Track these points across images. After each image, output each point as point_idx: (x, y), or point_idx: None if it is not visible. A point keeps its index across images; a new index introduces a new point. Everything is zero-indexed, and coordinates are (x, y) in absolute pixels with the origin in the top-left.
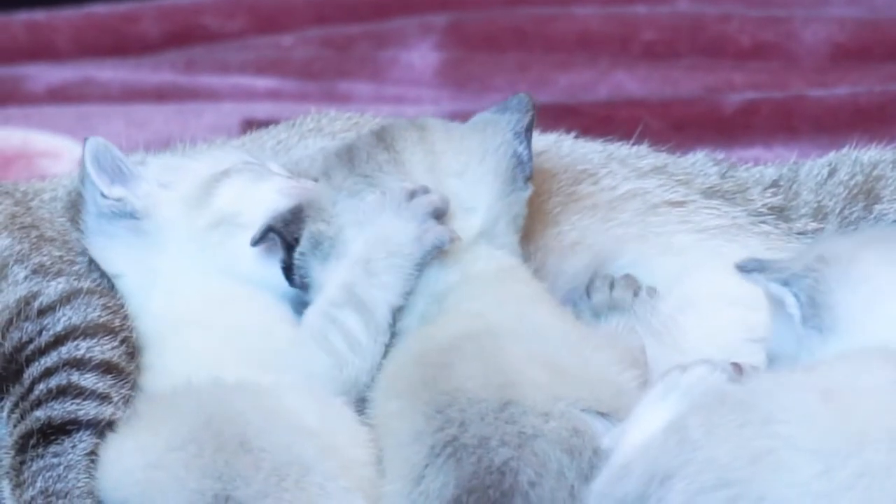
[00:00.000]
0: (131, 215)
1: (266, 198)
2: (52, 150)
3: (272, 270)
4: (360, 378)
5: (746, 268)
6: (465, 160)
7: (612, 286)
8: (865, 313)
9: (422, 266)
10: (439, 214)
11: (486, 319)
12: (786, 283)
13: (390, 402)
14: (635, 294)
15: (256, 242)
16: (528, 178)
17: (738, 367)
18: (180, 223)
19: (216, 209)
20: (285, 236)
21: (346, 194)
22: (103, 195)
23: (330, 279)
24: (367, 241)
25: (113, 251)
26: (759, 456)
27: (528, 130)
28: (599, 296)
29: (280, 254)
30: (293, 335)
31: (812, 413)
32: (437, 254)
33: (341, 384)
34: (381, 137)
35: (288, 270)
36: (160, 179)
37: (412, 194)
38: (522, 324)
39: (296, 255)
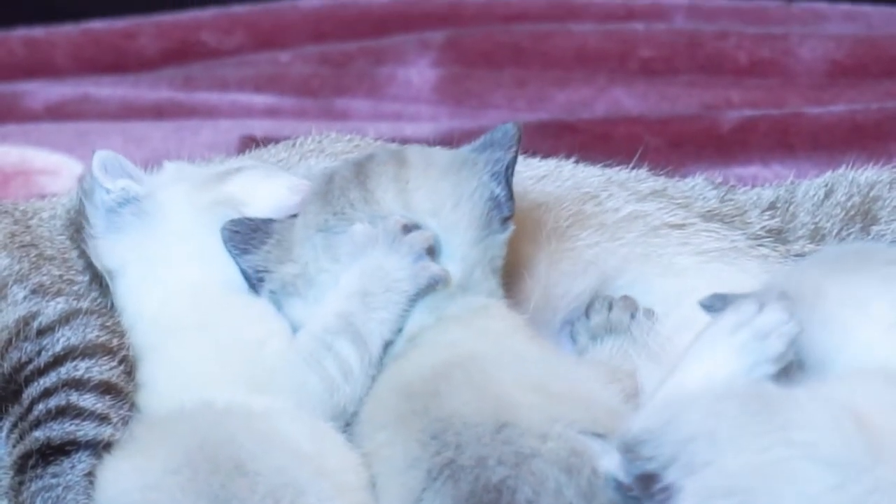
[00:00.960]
0: (135, 199)
1: (275, 192)
2: (51, 167)
3: None
4: (347, 407)
5: (712, 307)
6: (439, 201)
7: (610, 308)
8: (838, 350)
9: (413, 303)
10: (431, 252)
11: (465, 348)
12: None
13: (378, 434)
14: (632, 316)
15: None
16: (507, 219)
17: None
18: (182, 202)
19: (222, 196)
20: (233, 243)
21: (315, 230)
22: (108, 191)
23: (322, 306)
24: (362, 273)
25: (120, 244)
26: (773, 466)
27: (509, 168)
28: (598, 318)
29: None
30: (285, 352)
31: (836, 423)
32: (429, 292)
33: (330, 409)
34: (358, 171)
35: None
36: (172, 178)
37: (406, 229)
38: (502, 352)
39: (264, 293)
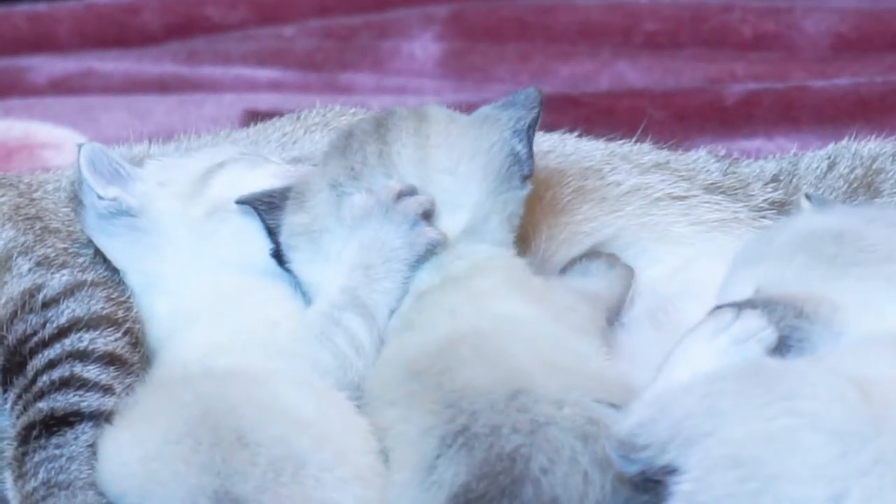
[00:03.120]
0: (127, 213)
1: (260, 183)
2: (55, 141)
3: (265, 257)
4: (360, 380)
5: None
6: (456, 157)
7: (590, 258)
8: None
9: (415, 268)
10: (427, 215)
11: (467, 322)
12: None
13: (388, 410)
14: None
15: (240, 202)
16: (527, 177)
17: None
18: (176, 217)
19: (211, 197)
20: (264, 217)
21: (327, 185)
22: (99, 197)
23: (326, 281)
24: (361, 246)
25: (115, 250)
26: (777, 435)
27: (531, 128)
28: (576, 264)
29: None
30: (297, 330)
31: (839, 394)
32: (429, 256)
33: (345, 384)
34: (378, 125)
35: (277, 255)
36: (158, 178)
37: (399, 195)
38: (508, 324)
39: (281, 241)
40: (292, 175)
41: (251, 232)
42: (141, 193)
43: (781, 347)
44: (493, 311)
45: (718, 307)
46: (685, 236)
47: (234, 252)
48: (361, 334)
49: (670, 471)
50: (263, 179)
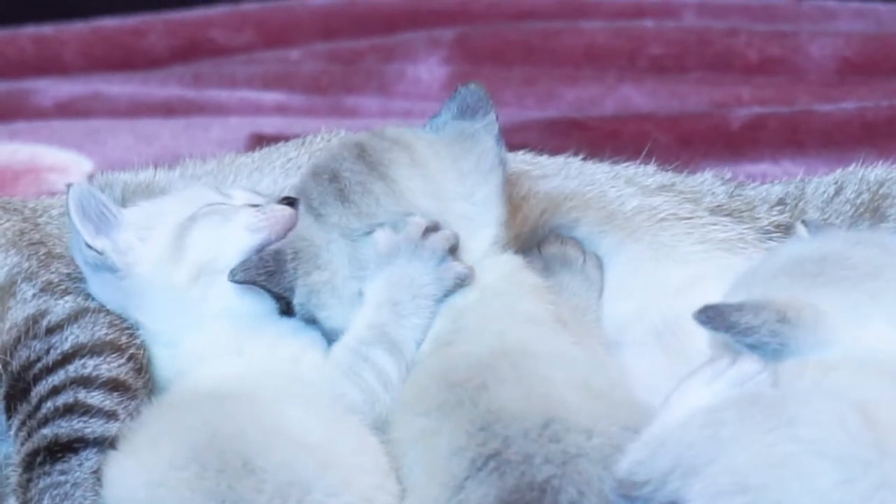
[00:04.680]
0: (112, 270)
1: (236, 237)
2: (60, 164)
3: (266, 302)
4: (387, 414)
5: (710, 323)
6: (469, 183)
7: (562, 242)
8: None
9: (442, 302)
10: (453, 250)
11: (511, 339)
12: (753, 347)
13: (417, 420)
14: (584, 259)
15: (237, 281)
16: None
17: None
18: (160, 285)
19: (191, 260)
20: (270, 289)
21: (339, 233)
22: (88, 245)
23: (353, 319)
24: (389, 283)
25: (105, 298)
26: (780, 462)
27: (498, 126)
28: (552, 248)
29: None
30: (322, 365)
31: (841, 420)
32: (457, 289)
33: (371, 419)
34: (368, 162)
35: (287, 312)
36: (139, 228)
37: (426, 232)
38: (545, 346)
39: (295, 306)
40: (265, 223)
41: (241, 288)
42: (125, 246)
43: (762, 351)
44: (527, 323)
45: (731, 307)
46: (691, 255)
47: (230, 307)
48: (389, 369)
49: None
50: (238, 233)
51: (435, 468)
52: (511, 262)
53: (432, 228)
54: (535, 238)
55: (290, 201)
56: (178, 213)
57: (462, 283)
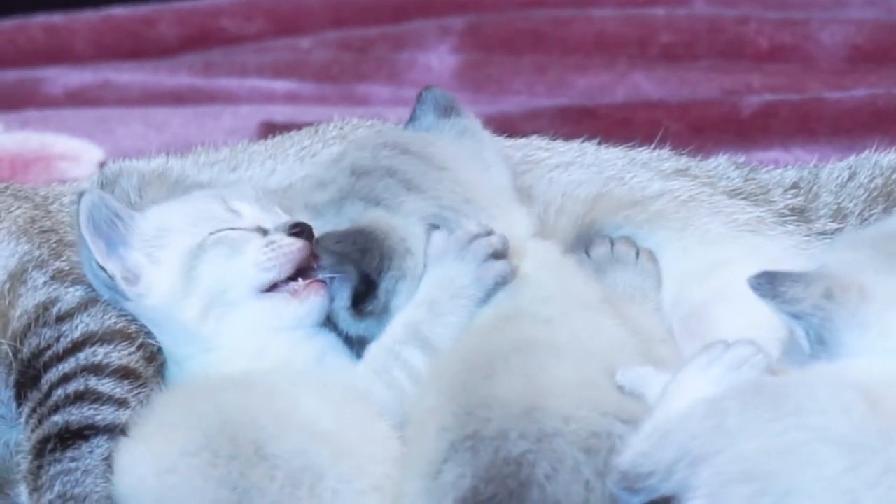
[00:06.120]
0: (123, 297)
1: (245, 274)
2: (71, 153)
3: (287, 316)
4: None
5: (760, 289)
6: (495, 174)
7: (612, 243)
8: (873, 351)
9: (484, 302)
10: (498, 255)
11: (550, 328)
12: (796, 317)
13: (428, 397)
14: (637, 254)
15: (331, 250)
16: None
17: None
18: (171, 314)
19: (201, 294)
20: (364, 270)
21: (417, 218)
22: (98, 265)
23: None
24: (430, 283)
25: (118, 306)
26: (788, 449)
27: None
28: (600, 250)
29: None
30: (352, 365)
31: (847, 406)
32: (499, 288)
33: (400, 416)
34: (419, 157)
35: (357, 302)
36: (149, 245)
37: (474, 237)
38: (577, 332)
39: (379, 293)
40: (273, 263)
41: (256, 314)
42: (135, 270)
43: (806, 324)
44: (582, 319)
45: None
46: (722, 238)
47: (246, 332)
48: (421, 367)
49: (673, 498)
50: (246, 270)
51: (419, 451)
52: (553, 249)
53: (482, 234)
54: (580, 241)
55: (300, 229)
56: (184, 234)
57: (504, 281)
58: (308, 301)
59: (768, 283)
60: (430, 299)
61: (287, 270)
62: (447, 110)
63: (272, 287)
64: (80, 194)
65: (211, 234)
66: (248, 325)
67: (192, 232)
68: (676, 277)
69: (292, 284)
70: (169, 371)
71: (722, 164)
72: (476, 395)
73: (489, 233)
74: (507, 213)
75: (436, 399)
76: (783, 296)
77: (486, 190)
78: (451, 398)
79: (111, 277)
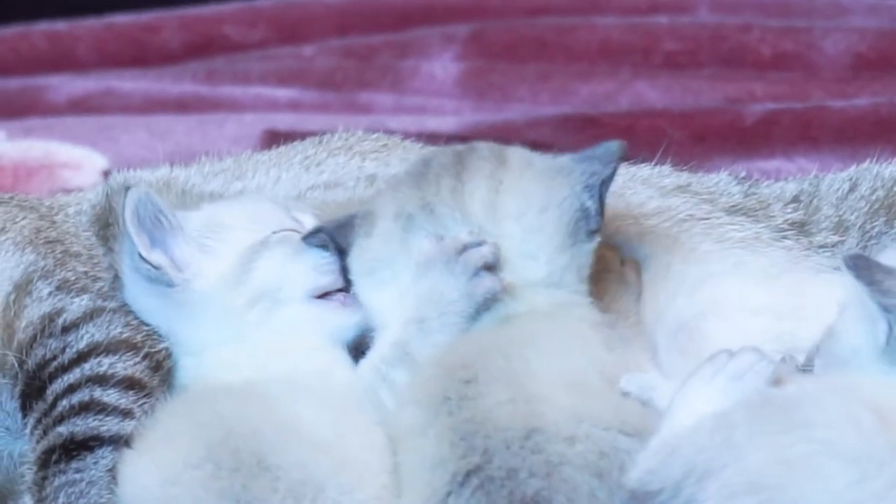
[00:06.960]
0: (168, 284)
1: (304, 276)
2: (74, 161)
3: (323, 321)
4: None
5: (856, 270)
6: (525, 206)
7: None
8: None
9: (473, 318)
10: (489, 267)
11: (511, 332)
12: (886, 310)
13: (407, 408)
14: (621, 263)
15: (306, 238)
16: (594, 231)
17: (787, 362)
18: (217, 300)
19: (255, 286)
20: (337, 240)
21: (394, 212)
22: (142, 257)
23: (384, 310)
24: (419, 297)
25: (145, 308)
26: (795, 462)
27: (605, 183)
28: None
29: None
30: (350, 380)
31: (855, 419)
32: (489, 305)
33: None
34: (457, 160)
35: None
36: (200, 240)
37: (464, 248)
38: (554, 339)
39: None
40: (332, 265)
41: (301, 316)
42: (183, 260)
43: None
44: (549, 325)
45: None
46: (711, 256)
47: (283, 331)
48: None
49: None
50: (306, 273)
51: (419, 477)
52: (566, 297)
53: (473, 245)
54: None
55: None
56: (245, 231)
57: (493, 297)
58: (355, 314)
59: (866, 268)
60: (420, 316)
61: (341, 281)
62: (587, 158)
63: (323, 294)
64: (127, 189)
65: (275, 232)
66: (287, 326)
67: (253, 229)
68: (656, 292)
69: (339, 294)
70: (182, 368)
71: (723, 180)
72: (463, 411)
73: (480, 242)
74: (510, 249)
75: (414, 411)
76: (879, 284)
77: (507, 225)
78: (431, 413)
79: (156, 267)
